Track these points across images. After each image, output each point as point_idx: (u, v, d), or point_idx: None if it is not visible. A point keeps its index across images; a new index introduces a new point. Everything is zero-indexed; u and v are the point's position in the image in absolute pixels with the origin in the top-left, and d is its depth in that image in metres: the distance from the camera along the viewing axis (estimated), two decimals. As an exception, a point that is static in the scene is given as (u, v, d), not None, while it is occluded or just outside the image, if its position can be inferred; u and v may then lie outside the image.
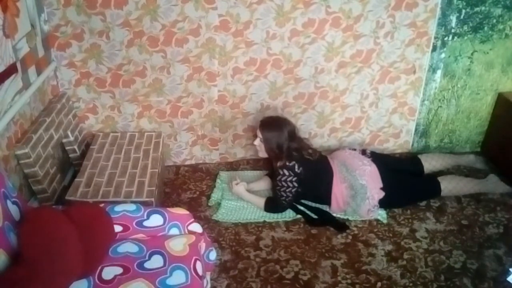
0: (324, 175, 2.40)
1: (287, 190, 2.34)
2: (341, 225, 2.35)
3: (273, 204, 2.42)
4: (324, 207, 2.46)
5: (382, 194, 2.35)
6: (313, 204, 2.48)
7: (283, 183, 2.33)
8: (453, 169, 2.74)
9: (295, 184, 2.33)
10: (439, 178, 2.49)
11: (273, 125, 2.43)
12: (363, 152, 2.55)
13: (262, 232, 2.32)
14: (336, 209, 2.41)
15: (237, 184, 2.50)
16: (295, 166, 2.32)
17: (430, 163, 2.63)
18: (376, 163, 2.45)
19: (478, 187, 2.53)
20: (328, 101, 2.77)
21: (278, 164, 2.36)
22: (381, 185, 2.36)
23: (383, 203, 2.38)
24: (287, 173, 2.32)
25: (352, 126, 2.88)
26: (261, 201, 2.45)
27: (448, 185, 2.46)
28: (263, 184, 2.63)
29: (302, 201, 2.49)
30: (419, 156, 2.68)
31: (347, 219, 2.39)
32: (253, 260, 2.15)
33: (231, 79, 2.63)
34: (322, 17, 2.48)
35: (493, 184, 2.56)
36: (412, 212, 2.45)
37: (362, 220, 2.38)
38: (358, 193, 2.33)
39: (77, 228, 1.50)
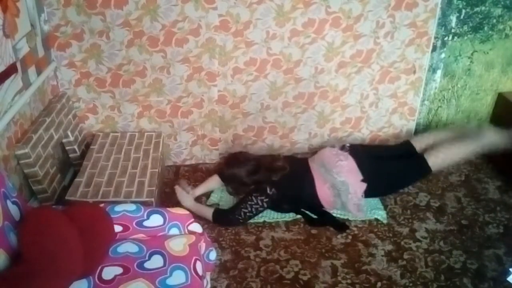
0: (303, 182, 2.36)
1: (253, 208, 2.28)
2: (341, 225, 2.34)
3: (223, 218, 2.34)
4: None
5: (364, 185, 2.31)
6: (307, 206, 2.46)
7: (253, 200, 2.28)
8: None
9: (265, 205, 2.30)
10: (425, 155, 2.36)
11: (230, 165, 2.46)
12: (342, 147, 2.48)
13: (262, 232, 2.32)
14: (330, 208, 2.40)
15: (183, 194, 2.40)
16: (266, 189, 2.30)
17: (421, 142, 2.51)
18: (354, 155, 2.39)
19: (473, 147, 2.36)
20: (328, 101, 2.77)
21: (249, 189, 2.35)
22: (361, 177, 2.32)
23: (370, 193, 2.35)
24: (257, 195, 2.29)
25: (352, 126, 2.88)
26: (209, 213, 2.34)
27: (436, 159, 2.34)
28: (213, 184, 2.56)
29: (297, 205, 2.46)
30: (411, 140, 2.58)
31: (347, 219, 2.39)
32: (253, 260, 2.15)
33: (231, 79, 2.63)
34: (322, 17, 2.48)
35: (492, 136, 2.36)
36: (412, 212, 2.45)
37: (362, 220, 2.38)
38: (341, 190, 2.31)
39: (77, 228, 1.50)
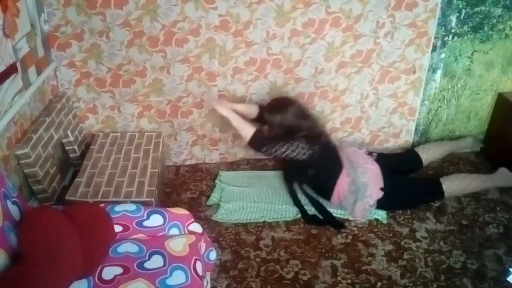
0: (335, 165, 2.38)
1: (289, 151, 2.25)
2: (338, 223, 2.34)
3: (261, 142, 2.27)
4: (322, 201, 2.46)
5: (381, 194, 2.34)
6: (314, 195, 2.48)
7: (297, 145, 2.25)
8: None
9: (303, 155, 2.26)
10: (442, 179, 2.44)
11: (277, 107, 2.34)
12: (369, 153, 2.54)
13: (262, 232, 2.32)
14: (336, 202, 2.40)
15: (221, 102, 2.32)
16: (314, 146, 2.27)
17: (427, 154, 2.60)
18: (379, 164, 2.43)
19: (487, 183, 2.47)
20: (328, 101, 2.77)
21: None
22: (381, 185, 2.35)
23: (382, 205, 2.37)
24: (303, 144, 2.25)
25: (352, 126, 2.88)
26: (249, 131, 2.26)
27: (451, 185, 2.41)
28: (249, 109, 2.49)
29: (305, 189, 2.49)
30: (416, 149, 2.66)
31: (347, 219, 2.39)
32: (253, 260, 2.15)
33: (231, 79, 2.63)
34: (322, 17, 2.48)
35: (505, 178, 2.47)
36: (412, 212, 2.45)
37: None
38: (358, 190, 2.32)
39: (77, 228, 1.50)
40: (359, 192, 2.32)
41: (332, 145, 2.47)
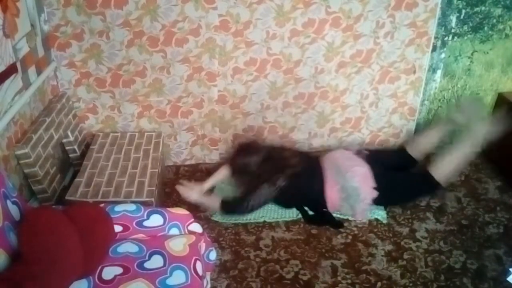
0: (314, 180, 2.35)
1: (262, 198, 2.27)
2: (337, 223, 2.35)
3: (231, 208, 2.31)
4: None
5: (375, 193, 2.31)
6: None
7: (262, 190, 2.26)
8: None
9: (273, 196, 2.29)
10: (430, 169, 2.32)
11: (242, 152, 2.44)
12: (358, 152, 2.49)
13: (262, 232, 2.32)
14: (334, 209, 2.40)
15: (186, 189, 2.36)
16: (277, 181, 2.28)
17: (416, 149, 2.52)
18: (370, 163, 2.39)
19: (469, 147, 2.32)
20: (328, 101, 2.77)
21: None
22: (374, 185, 2.32)
23: (379, 202, 2.36)
24: (267, 186, 2.27)
25: (352, 126, 2.88)
26: (216, 203, 2.31)
27: (440, 171, 2.31)
28: (222, 176, 2.52)
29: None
30: (406, 146, 2.57)
31: (347, 219, 2.39)
32: (253, 260, 2.15)
33: (231, 79, 2.63)
34: (322, 17, 2.48)
35: (482, 131, 2.32)
36: (412, 212, 2.45)
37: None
38: (350, 195, 2.29)
39: (77, 228, 1.50)
40: (352, 197, 2.30)
41: (300, 167, 2.37)
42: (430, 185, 2.35)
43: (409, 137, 2.80)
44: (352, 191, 2.29)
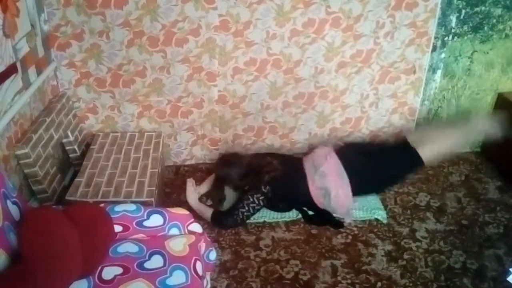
0: (297, 181, 2.33)
1: (250, 207, 2.27)
2: (337, 223, 2.35)
3: (221, 219, 2.32)
4: None
5: (346, 186, 2.26)
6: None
7: (249, 199, 2.27)
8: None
9: (262, 204, 2.29)
10: (417, 147, 2.27)
11: (221, 167, 2.45)
12: (336, 146, 2.46)
13: (262, 232, 2.32)
14: (322, 207, 2.37)
15: (190, 190, 2.43)
16: (261, 187, 2.28)
17: (415, 135, 2.46)
18: (340, 154, 2.36)
19: (464, 135, 2.33)
20: (328, 101, 2.77)
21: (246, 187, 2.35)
22: (345, 177, 2.27)
23: (362, 191, 2.34)
24: (253, 194, 2.28)
25: (352, 126, 2.88)
26: (208, 214, 2.34)
27: (428, 150, 2.26)
28: (208, 185, 2.56)
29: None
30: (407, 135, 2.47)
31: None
32: (253, 260, 2.15)
33: (231, 79, 2.63)
34: (322, 17, 2.48)
35: (480, 125, 2.33)
36: (412, 212, 2.45)
37: (362, 220, 2.38)
38: (326, 192, 2.28)
39: (77, 228, 1.50)
40: (327, 194, 2.28)
41: (280, 171, 2.36)
42: (414, 162, 2.30)
43: (411, 130, 2.78)
44: (326, 189, 2.28)
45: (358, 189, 2.30)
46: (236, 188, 2.40)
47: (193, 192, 2.44)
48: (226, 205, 2.42)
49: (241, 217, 2.28)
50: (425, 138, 2.35)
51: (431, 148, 2.29)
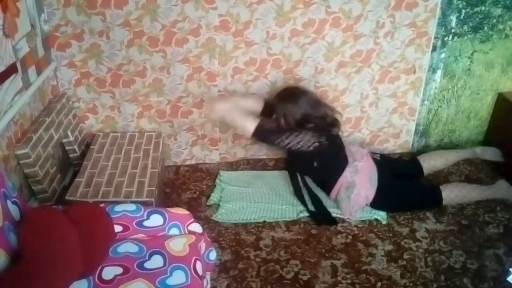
0: (340, 160, 2.38)
1: (295, 142, 2.18)
2: (332, 219, 2.36)
3: (265, 134, 2.21)
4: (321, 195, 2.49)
5: (372, 192, 2.32)
6: (313, 187, 2.50)
7: (304, 136, 2.20)
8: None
9: (308, 148, 2.21)
10: (442, 187, 2.41)
11: (288, 97, 2.28)
12: (373, 154, 2.53)
13: (262, 232, 2.32)
14: (333, 196, 2.42)
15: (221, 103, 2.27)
16: (324, 136, 2.24)
17: (429, 163, 2.59)
18: (378, 164, 2.43)
19: (485, 194, 2.43)
20: (328, 101, 2.76)
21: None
22: (375, 184, 2.34)
23: (379, 205, 2.38)
24: (312, 135, 2.20)
25: (352, 126, 2.88)
26: (251, 124, 2.19)
27: (450, 194, 2.39)
28: (254, 103, 2.42)
29: (305, 180, 2.51)
30: (418, 157, 2.64)
31: (347, 219, 2.39)
32: (253, 260, 2.15)
33: (231, 79, 2.63)
34: (322, 17, 2.48)
35: (503, 190, 2.44)
36: (412, 212, 2.45)
37: (362, 220, 2.38)
38: (350, 186, 2.33)
39: (77, 228, 1.50)
40: (350, 189, 2.33)
41: (340, 139, 2.45)
42: (434, 200, 2.41)
43: (424, 151, 2.82)
44: (351, 183, 2.33)
45: (376, 203, 2.36)
46: (288, 121, 2.26)
47: (220, 101, 2.26)
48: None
49: (283, 143, 2.20)
50: (453, 183, 2.49)
51: (454, 193, 2.39)
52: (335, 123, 2.39)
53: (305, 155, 2.30)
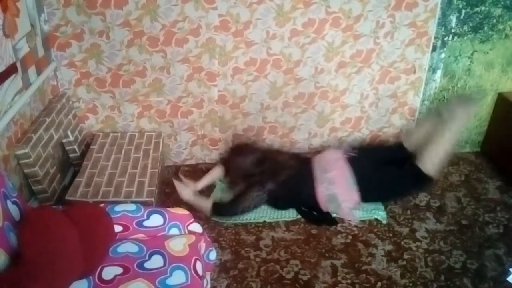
0: (305, 182, 2.37)
1: (252, 202, 2.31)
2: (331, 220, 2.36)
3: (222, 211, 2.36)
4: None
5: (355, 195, 2.32)
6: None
7: (252, 194, 2.31)
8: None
9: (263, 200, 2.34)
10: (418, 162, 2.30)
11: (237, 153, 2.48)
12: (346, 152, 2.47)
13: (262, 232, 2.32)
14: (325, 209, 2.40)
15: (181, 187, 2.40)
16: (266, 184, 2.32)
17: (411, 142, 2.50)
18: (352, 161, 2.38)
19: (451, 133, 2.29)
20: (328, 101, 2.77)
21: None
22: (354, 185, 2.32)
23: (368, 199, 2.38)
24: (256, 190, 2.31)
25: (352, 126, 2.88)
26: (208, 206, 2.34)
27: (428, 163, 2.28)
28: (215, 175, 2.58)
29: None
30: (402, 140, 2.56)
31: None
32: (253, 260, 2.15)
33: (231, 79, 2.63)
34: (322, 17, 2.48)
35: (462, 113, 2.31)
36: (412, 212, 2.45)
37: (362, 220, 2.38)
38: (333, 198, 2.33)
39: (77, 228, 1.50)
40: (334, 199, 2.33)
41: (294, 172, 2.40)
42: (420, 180, 2.33)
43: (405, 131, 2.80)
44: (332, 196, 2.33)
45: (364, 197, 2.35)
46: (244, 176, 2.40)
47: (184, 187, 2.41)
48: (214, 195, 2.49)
49: (241, 211, 2.31)
50: (423, 154, 2.34)
51: (429, 160, 2.29)
52: (286, 168, 2.41)
53: (278, 196, 2.36)
